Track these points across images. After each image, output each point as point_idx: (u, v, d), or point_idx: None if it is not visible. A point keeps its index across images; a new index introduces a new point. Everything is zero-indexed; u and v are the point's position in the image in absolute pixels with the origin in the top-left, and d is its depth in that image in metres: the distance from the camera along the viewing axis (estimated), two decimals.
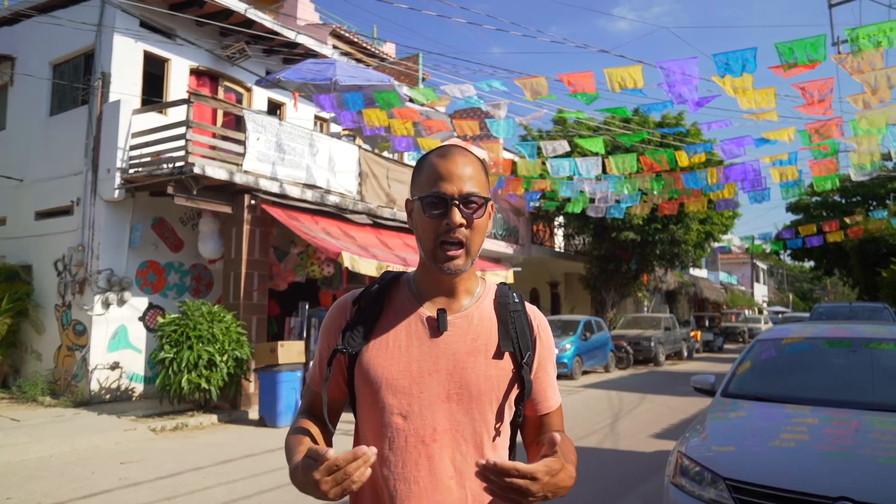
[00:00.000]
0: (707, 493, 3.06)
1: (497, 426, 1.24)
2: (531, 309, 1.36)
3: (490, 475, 1.03)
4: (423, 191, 1.22)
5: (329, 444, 1.32)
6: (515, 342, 1.27)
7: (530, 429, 1.36)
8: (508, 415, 1.27)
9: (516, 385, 1.26)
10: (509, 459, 1.28)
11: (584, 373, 15.59)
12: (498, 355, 1.25)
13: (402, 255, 10.94)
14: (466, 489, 1.20)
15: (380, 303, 1.29)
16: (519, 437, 1.37)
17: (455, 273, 1.23)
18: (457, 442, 1.20)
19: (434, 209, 1.20)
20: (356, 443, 1.29)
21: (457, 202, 1.19)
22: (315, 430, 1.29)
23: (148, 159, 9.44)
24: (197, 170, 8.69)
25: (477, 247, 1.24)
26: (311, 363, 1.37)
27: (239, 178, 9.30)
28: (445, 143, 1.41)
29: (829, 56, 6.75)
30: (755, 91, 7.43)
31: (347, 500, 1.29)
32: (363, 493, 1.23)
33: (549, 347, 1.36)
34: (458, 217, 1.19)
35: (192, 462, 6.33)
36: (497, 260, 16.54)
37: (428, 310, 1.27)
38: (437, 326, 1.24)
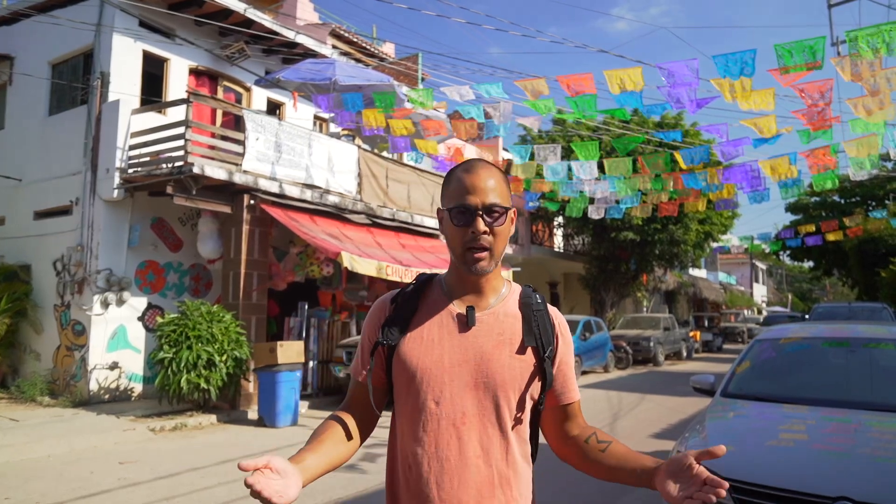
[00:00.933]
0: None
1: (519, 414, 1.38)
2: (552, 310, 1.50)
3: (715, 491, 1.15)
4: (451, 203, 1.38)
5: (368, 430, 1.48)
6: (538, 338, 1.41)
7: (552, 420, 1.49)
8: (530, 404, 1.40)
9: (538, 377, 1.40)
10: (532, 449, 1.44)
11: (584, 373, 15.60)
12: (521, 350, 1.38)
13: (401, 255, 10.94)
14: (493, 467, 1.33)
15: (415, 301, 1.44)
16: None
17: (481, 274, 1.38)
18: (483, 425, 1.34)
19: (461, 219, 1.35)
20: (393, 427, 1.43)
21: (480, 213, 1.34)
22: (350, 421, 1.42)
23: (147, 159, 9.43)
24: (196, 170, 8.68)
25: (500, 250, 1.39)
26: (354, 356, 1.55)
27: (238, 178, 9.30)
28: (471, 158, 1.63)
29: (828, 58, 6.76)
30: (754, 92, 7.44)
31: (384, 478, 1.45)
32: (397, 470, 1.39)
33: (568, 344, 1.49)
34: (481, 226, 1.34)
35: (191, 462, 6.32)
36: None
37: (458, 307, 1.41)
38: (465, 322, 1.38)
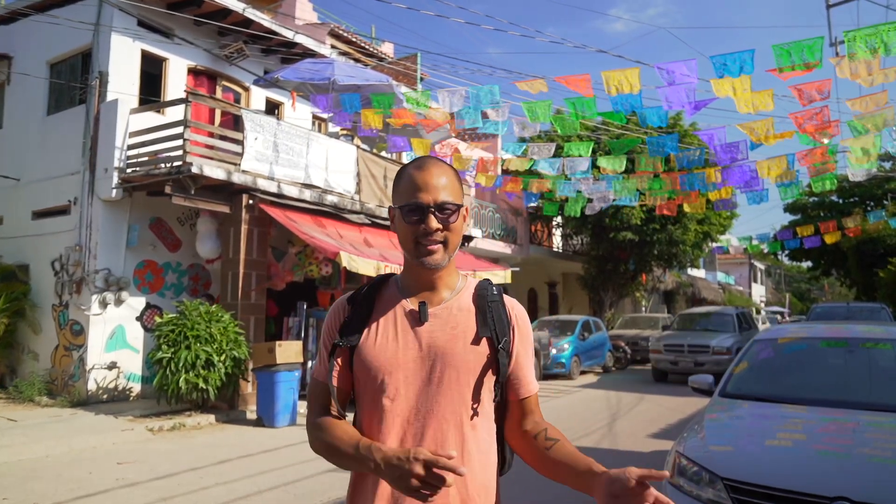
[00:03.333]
0: (705, 493, 3.06)
1: (475, 406, 1.37)
2: (509, 300, 1.49)
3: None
4: (403, 200, 1.38)
5: None
6: (493, 329, 1.40)
7: (509, 413, 1.48)
8: (487, 396, 1.40)
9: (492, 369, 1.40)
10: (497, 443, 1.45)
11: (583, 373, 15.60)
12: (476, 341, 1.38)
13: (399, 255, 10.93)
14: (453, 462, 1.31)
15: (371, 300, 1.45)
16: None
17: (435, 267, 1.38)
18: (438, 421, 1.34)
19: (412, 216, 1.35)
20: (355, 426, 1.43)
21: (433, 210, 1.34)
22: (353, 429, 1.40)
23: (145, 159, 9.42)
24: (195, 169, 8.67)
25: (454, 244, 1.39)
26: (316, 361, 1.52)
27: (237, 178, 9.29)
28: (422, 156, 1.64)
29: (826, 58, 6.77)
30: (752, 94, 7.44)
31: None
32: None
33: (526, 336, 1.48)
34: (434, 223, 1.34)
35: (189, 462, 6.32)
36: (495, 260, 16.54)
37: (411, 303, 1.42)
38: (418, 317, 1.39)
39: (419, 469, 1.16)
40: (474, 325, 1.39)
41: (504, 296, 1.48)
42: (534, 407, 1.48)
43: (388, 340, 1.38)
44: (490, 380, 1.39)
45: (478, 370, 1.37)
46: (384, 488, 1.30)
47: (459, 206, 1.37)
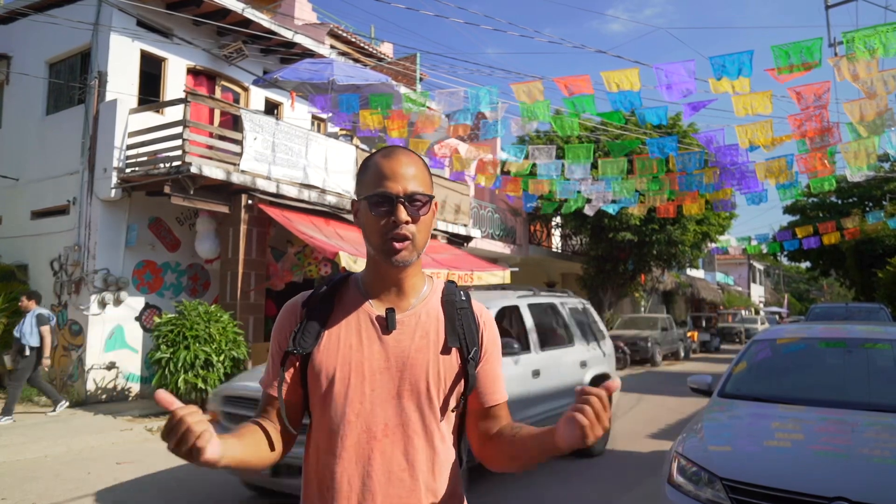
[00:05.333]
0: (704, 493, 3.06)
1: (443, 419, 1.30)
2: (478, 306, 1.40)
3: (585, 397, 1.09)
4: (369, 190, 1.27)
5: (286, 445, 1.34)
6: (462, 338, 1.32)
7: (476, 422, 1.39)
8: (454, 408, 1.33)
9: (462, 379, 1.31)
10: (455, 452, 1.35)
11: None
12: (445, 351, 1.30)
13: None
14: (419, 481, 1.25)
15: (329, 303, 1.33)
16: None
17: (403, 265, 1.27)
18: (408, 435, 1.25)
19: (380, 207, 1.25)
20: (308, 441, 1.32)
21: (402, 200, 1.24)
22: (271, 428, 1.30)
23: (145, 159, 9.42)
24: (194, 169, 8.67)
25: (423, 241, 1.29)
26: (265, 367, 1.38)
27: (236, 178, 9.29)
28: (390, 145, 1.50)
29: (825, 59, 6.77)
30: (751, 95, 7.45)
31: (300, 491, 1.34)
32: (312, 489, 1.28)
33: (494, 343, 1.40)
34: (403, 214, 1.24)
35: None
36: (494, 260, 16.54)
37: (377, 309, 1.31)
38: (386, 325, 1.29)
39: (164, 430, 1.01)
40: (443, 334, 1.31)
41: (472, 301, 1.39)
42: (503, 413, 1.39)
43: (350, 350, 1.27)
44: (458, 391, 1.31)
45: (448, 381, 1.29)
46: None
47: (430, 198, 1.28)
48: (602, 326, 7.79)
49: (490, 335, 1.39)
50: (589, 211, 14.15)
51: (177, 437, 1.00)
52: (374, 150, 1.35)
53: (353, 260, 8.97)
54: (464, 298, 1.38)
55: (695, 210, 14.06)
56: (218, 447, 1.05)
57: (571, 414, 1.10)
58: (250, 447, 1.23)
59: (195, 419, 1.02)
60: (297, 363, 1.30)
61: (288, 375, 1.31)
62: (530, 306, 6.27)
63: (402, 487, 1.23)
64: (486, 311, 1.41)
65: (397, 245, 1.24)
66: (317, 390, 1.28)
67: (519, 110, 9.16)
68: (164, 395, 1.02)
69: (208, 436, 1.02)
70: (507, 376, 3.87)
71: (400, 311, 1.31)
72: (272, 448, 1.29)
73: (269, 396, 1.33)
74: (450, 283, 1.41)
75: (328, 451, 1.25)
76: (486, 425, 1.38)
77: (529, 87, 8.54)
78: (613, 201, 13.65)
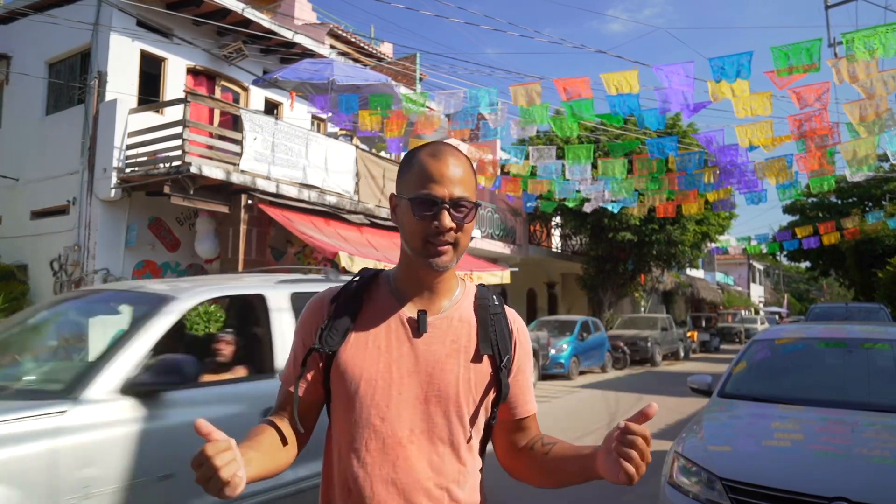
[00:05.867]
0: (704, 493, 3.06)
1: (472, 429, 1.25)
2: (511, 313, 1.35)
3: (630, 438, 1.06)
4: (413, 190, 1.20)
5: (301, 444, 1.30)
6: (495, 345, 1.27)
7: (505, 434, 1.35)
8: (484, 417, 1.28)
9: (493, 388, 1.26)
10: (480, 463, 1.30)
11: (581, 373, 15.60)
12: (477, 358, 1.25)
13: (396, 255, 10.94)
14: (444, 489, 1.21)
15: (358, 301, 1.27)
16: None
17: (442, 270, 1.22)
18: (434, 443, 1.21)
19: (424, 211, 1.18)
20: (329, 445, 1.28)
21: (447, 206, 1.18)
22: (285, 427, 1.26)
23: (144, 159, 9.42)
24: (194, 169, 8.67)
25: (464, 246, 1.24)
26: (286, 362, 1.34)
27: (236, 178, 9.29)
28: (436, 141, 1.35)
29: (825, 60, 6.78)
30: (750, 96, 7.45)
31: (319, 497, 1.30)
32: (333, 494, 1.24)
33: (527, 352, 1.35)
34: (448, 221, 1.18)
35: None
36: (494, 260, 16.55)
37: (408, 310, 1.26)
38: (417, 328, 1.23)
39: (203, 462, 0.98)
40: (475, 339, 1.25)
41: (505, 307, 1.34)
42: (531, 424, 1.35)
43: (379, 351, 1.22)
44: (489, 400, 1.26)
45: (479, 390, 1.24)
46: None
47: (476, 206, 1.22)
48: None
49: (522, 343, 1.34)
50: (588, 209, 14.17)
51: (204, 479, 0.98)
52: (420, 146, 1.28)
53: (353, 260, 8.97)
54: (496, 303, 1.33)
55: (694, 209, 14.07)
56: (243, 482, 1.01)
57: (616, 454, 1.07)
58: (268, 457, 1.18)
59: (224, 460, 0.97)
60: (322, 362, 1.25)
61: (310, 373, 1.26)
62: (295, 297, 3.57)
63: (427, 497, 1.19)
64: (518, 317, 1.37)
65: (440, 248, 1.19)
66: (341, 391, 1.23)
67: (518, 112, 9.17)
68: (203, 425, 0.99)
69: (238, 480, 0.99)
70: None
71: (431, 314, 1.25)
72: (288, 451, 1.25)
73: (289, 394, 1.29)
74: (482, 287, 1.36)
75: (351, 454, 1.20)
76: (515, 437, 1.34)
77: (528, 89, 8.55)
78: (613, 201, 13.67)
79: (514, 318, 1.35)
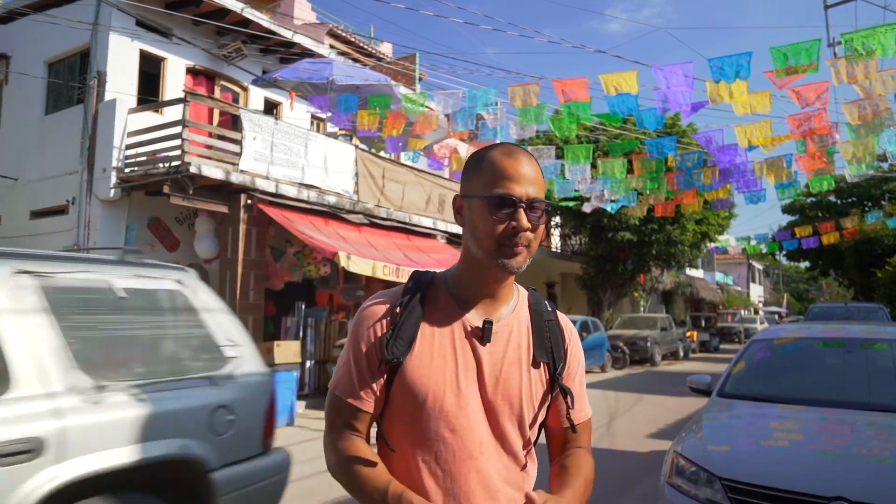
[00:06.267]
0: (703, 493, 3.06)
1: (532, 437, 1.26)
2: (563, 318, 1.35)
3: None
4: (488, 189, 1.17)
5: None
6: (550, 353, 1.27)
7: (556, 440, 1.35)
8: (539, 422, 1.28)
9: (550, 395, 1.27)
10: (536, 468, 1.31)
11: None
12: (535, 365, 1.25)
13: (395, 255, 10.94)
14: (512, 500, 1.20)
15: (420, 308, 1.23)
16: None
17: (515, 271, 1.20)
18: (500, 453, 1.21)
19: (502, 210, 1.16)
20: (386, 456, 1.23)
21: (524, 206, 1.16)
22: (368, 450, 1.23)
23: (144, 158, 9.42)
24: (193, 169, 8.67)
25: (535, 249, 1.22)
26: (339, 372, 1.26)
27: (235, 178, 9.29)
28: (503, 142, 1.32)
29: (824, 60, 6.78)
30: (750, 95, 7.46)
31: None
32: None
33: (580, 358, 1.35)
34: (525, 221, 1.16)
35: None
36: None
37: (472, 318, 1.23)
38: (481, 336, 1.21)
39: None
40: (531, 347, 1.25)
41: (558, 313, 1.34)
42: (584, 430, 1.34)
43: (445, 361, 1.19)
44: (545, 407, 1.27)
45: (538, 397, 1.24)
46: None
47: (550, 206, 1.25)
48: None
49: (575, 349, 1.33)
50: (588, 209, 14.18)
51: None
52: (488, 146, 1.26)
53: (352, 260, 8.97)
54: (549, 309, 1.32)
55: (693, 208, 14.08)
56: None
57: None
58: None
59: None
60: (386, 373, 1.21)
61: (376, 386, 1.21)
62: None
63: None
64: (570, 323, 1.36)
65: (517, 249, 1.17)
66: (407, 403, 1.19)
67: (517, 113, 9.18)
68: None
69: None
70: None
71: (493, 321, 1.23)
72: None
73: (354, 409, 1.22)
74: (534, 292, 1.35)
75: (418, 471, 1.17)
76: (567, 444, 1.34)
77: (526, 89, 8.55)
78: (612, 201, 13.68)
79: (566, 324, 1.34)
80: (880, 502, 2.64)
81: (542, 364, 1.25)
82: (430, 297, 1.25)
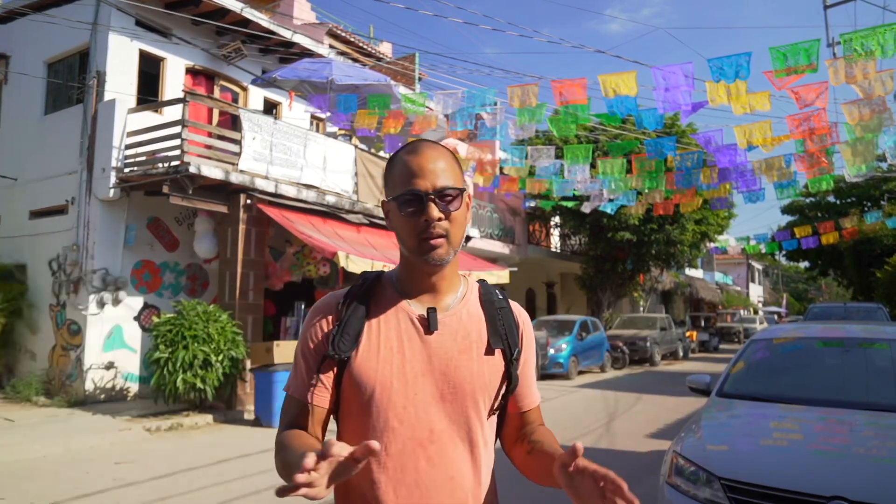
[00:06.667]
0: (702, 492, 3.07)
1: (487, 424, 1.26)
2: (515, 306, 1.37)
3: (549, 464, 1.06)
4: (397, 190, 1.21)
5: None
6: (504, 339, 1.28)
7: (510, 426, 1.37)
8: (497, 411, 1.29)
9: (505, 381, 1.28)
10: (493, 457, 1.31)
11: (580, 373, 15.61)
12: (489, 352, 1.26)
13: (397, 255, 10.93)
14: (466, 489, 1.21)
15: (365, 303, 1.26)
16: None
17: (440, 264, 1.22)
18: (453, 441, 1.21)
19: (410, 206, 1.19)
20: None
21: (432, 197, 1.18)
22: (311, 440, 1.20)
23: (143, 158, 9.41)
24: (192, 169, 8.66)
25: (458, 238, 1.23)
26: (290, 373, 1.30)
27: (235, 178, 9.28)
28: (414, 140, 1.34)
29: (823, 60, 6.79)
30: (749, 95, 7.47)
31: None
32: (354, 498, 1.21)
33: (532, 345, 1.37)
34: (435, 212, 1.18)
35: (186, 462, 6.31)
36: (493, 260, 16.56)
37: (417, 309, 1.25)
38: (427, 325, 1.23)
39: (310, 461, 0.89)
40: (485, 334, 1.26)
41: (510, 301, 1.36)
42: (535, 417, 1.37)
43: (391, 352, 1.21)
44: (500, 393, 1.27)
45: (494, 385, 1.25)
46: None
47: (462, 191, 1.22)
48: None
49: (528, 335, 1.35)
50: (587, 208, 14.18)
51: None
52: (399, 148, 1.29)
53: (352, 259, 8.97)
54: (501, 298, 1.34)
55: (692, 207, 14.08)
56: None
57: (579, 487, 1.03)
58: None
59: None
60: (334, 368, 1.22)
61: (324, 381, 1.23)
62: None
63: (450, 497, 1.18)
64: (523, 311, 1.38)
65: (433, 242, 1.19)
66: (356, 396, 1.21)
67: (516, 113, 9.18)
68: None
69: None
70: None
71: (440, 312, 1.25)
72: None
73: (302, 405, 1.23)
74: (484, 282, 1.37)
75: (368, 462, 1.12)
76: (518, 429, 1.36)
77: (525, 90, 8.56)
78: (611, 200, 13.69)
79: (519, 311, 1.36)
80: (879, 502, 2.64)
81: (496, 351, 1.26)
82: (376, 294, 1.28)
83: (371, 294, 1.28)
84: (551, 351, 14.38)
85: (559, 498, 5.09)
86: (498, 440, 1.39)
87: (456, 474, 1.20)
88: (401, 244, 1.26)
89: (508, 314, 1.32)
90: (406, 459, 1.18)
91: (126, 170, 9.40)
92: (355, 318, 1.23)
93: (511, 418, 1.36)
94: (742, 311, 38.06)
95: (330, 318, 1.25)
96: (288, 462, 1.09)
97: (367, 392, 1.19)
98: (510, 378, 1.28)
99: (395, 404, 1.19)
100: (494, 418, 1.30)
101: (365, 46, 16.32)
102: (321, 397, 1.23)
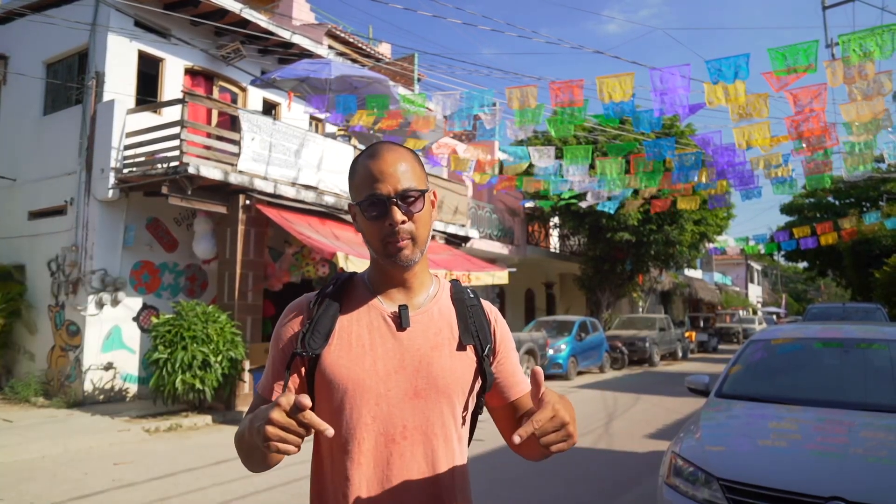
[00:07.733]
0: (701, 493, 3.07)
1: (461, 420, 1.27)
2: (486, 304, 1.39)
3: (534, 437, 1.05)
4: (361, 195, 1.22)
5: (277, 459, 1.23)
6: (475, 335, 1.29)
7: (504, 418, 1.37)
8: (472, 407, 1.30)
9: (479, 378, 1.29)
10: (467, 454, 1.32)
11: (579, 373, 15.62)
12: (460, 348, 1.27)
13: None
14: (439, 484, 1.22)
15: (337, 302, 1.27)
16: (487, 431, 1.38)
17: (407, 265, 1.23)
18: (427, 438, 1.22)
19: (373, 211, 1.21)
20: (317, 450, 1.26)
21: (395, 200, 1.19)
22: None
23: (142, 159, 9.41)
24: (191, 170, 8.66)
25: (424, 237, 1.25)
26: (264, 372, 1.31)
27: (234, 179, 9.28)
28: (374, 143, 1.36)
29: (821, 61, 6.80)
30: (747, 97, 7.47)
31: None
32: (328, 496, 1.22)
33: (507, 337, 1.38)
34: (398, 215, 1.19)
35: (186, 463, 6.31)
36: (492, 260, 16.56)
37: (389, 306, 1.27)
38: (399, 323, 1.24)
39: (276, 414, 0.97)
40: (456, 331, 1.28)
41: (481, 299, 1.37)
42: (527, 402, 1.35)
43: (363, 349, 1.22)
44: (475, 390, 1.29)
45: (467, 381, 1.26)
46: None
47: (423, 192, 1.22)
48: None
49: (501, 330, 1.37)
50: (584, 204, 14.20)
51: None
52: (360, 152, 1.31)
53: (351, 260, 8.97)
54: (472, 295, 1.35)
55: (691, 205, 14.09)
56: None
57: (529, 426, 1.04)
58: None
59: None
60: (305, 366, 1.23)
61: (293, 380, 1.23)
62: None
63: (421, 492, 1.20)
64: (494, 308, 1.40)
65: (399, 244, 1.20)
66: (328, 394, 1.22)
67: (514, 113, 9.19)
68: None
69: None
70: None
71: (411, 310, 1.27)
72: (274, 457, 1.18)
73: (267, 403, 1.22)
74: (456, 282, 1.39)
75: (344, 457, 1.19)
76: (514, 418, 1.36)
77: (524, 91, 8.57)
78: (609, 198, 13.70)
79: (490, 308, 1.38)
80: (877, 502, 2.65)
81: (468, 347, 1.28)
82: (349, 293, 1.30)
83: (343, 293, 1.30)
84: (550, 351, 14.39)
85: (559, 499, 5.09)
86: (504, 440, 1.37)
87: (429, 470, 1.21)
88: (368, 247, 1.28)
89: (479, 312, 1.33)
90: (378, 455, 1.19)
91: (125, 170, 9.40)
92: (326, 316, 1.25)
93: (504, 410, 1.36)
94: (741, 312, 38.10)
95: (301, 317, 1.27)
96: (252, 427, 1.07)
97: (339, 389, 1.20)
98: (483, 374, 1.29)
99: (368, 401, 1.20)
100: (468, 416, 1.30)
101: (364, 47, 16.33)
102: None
